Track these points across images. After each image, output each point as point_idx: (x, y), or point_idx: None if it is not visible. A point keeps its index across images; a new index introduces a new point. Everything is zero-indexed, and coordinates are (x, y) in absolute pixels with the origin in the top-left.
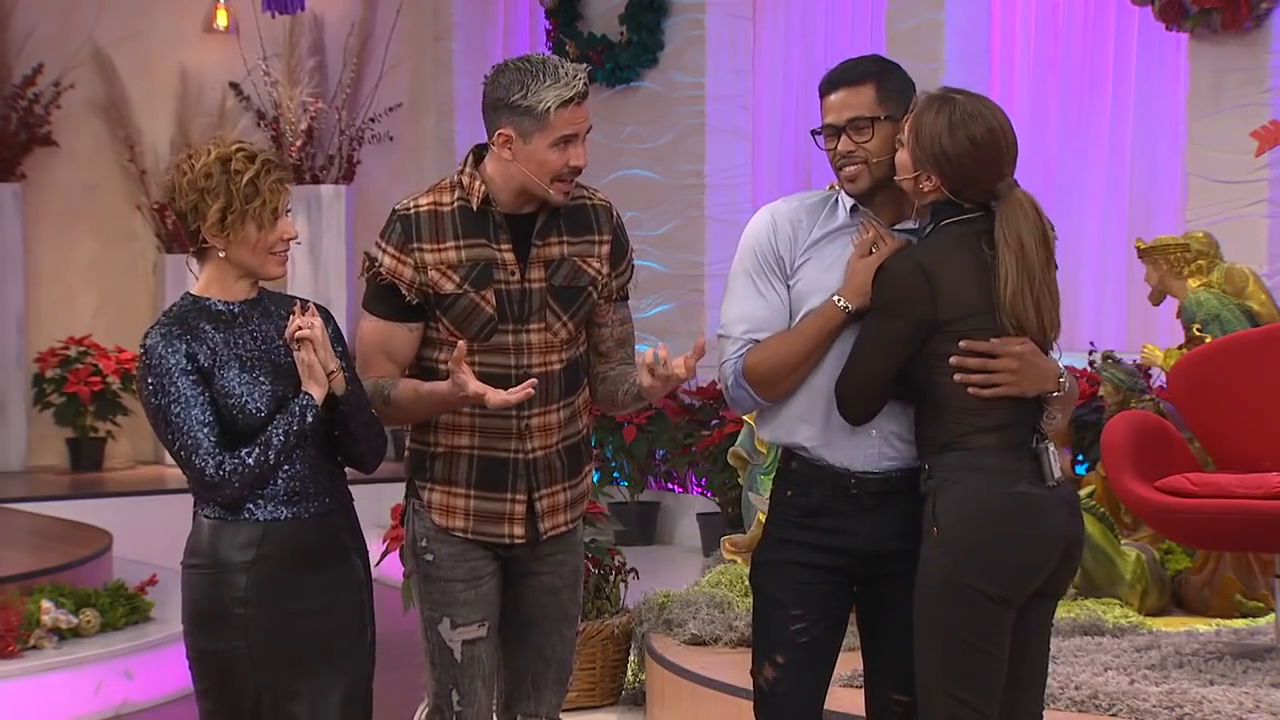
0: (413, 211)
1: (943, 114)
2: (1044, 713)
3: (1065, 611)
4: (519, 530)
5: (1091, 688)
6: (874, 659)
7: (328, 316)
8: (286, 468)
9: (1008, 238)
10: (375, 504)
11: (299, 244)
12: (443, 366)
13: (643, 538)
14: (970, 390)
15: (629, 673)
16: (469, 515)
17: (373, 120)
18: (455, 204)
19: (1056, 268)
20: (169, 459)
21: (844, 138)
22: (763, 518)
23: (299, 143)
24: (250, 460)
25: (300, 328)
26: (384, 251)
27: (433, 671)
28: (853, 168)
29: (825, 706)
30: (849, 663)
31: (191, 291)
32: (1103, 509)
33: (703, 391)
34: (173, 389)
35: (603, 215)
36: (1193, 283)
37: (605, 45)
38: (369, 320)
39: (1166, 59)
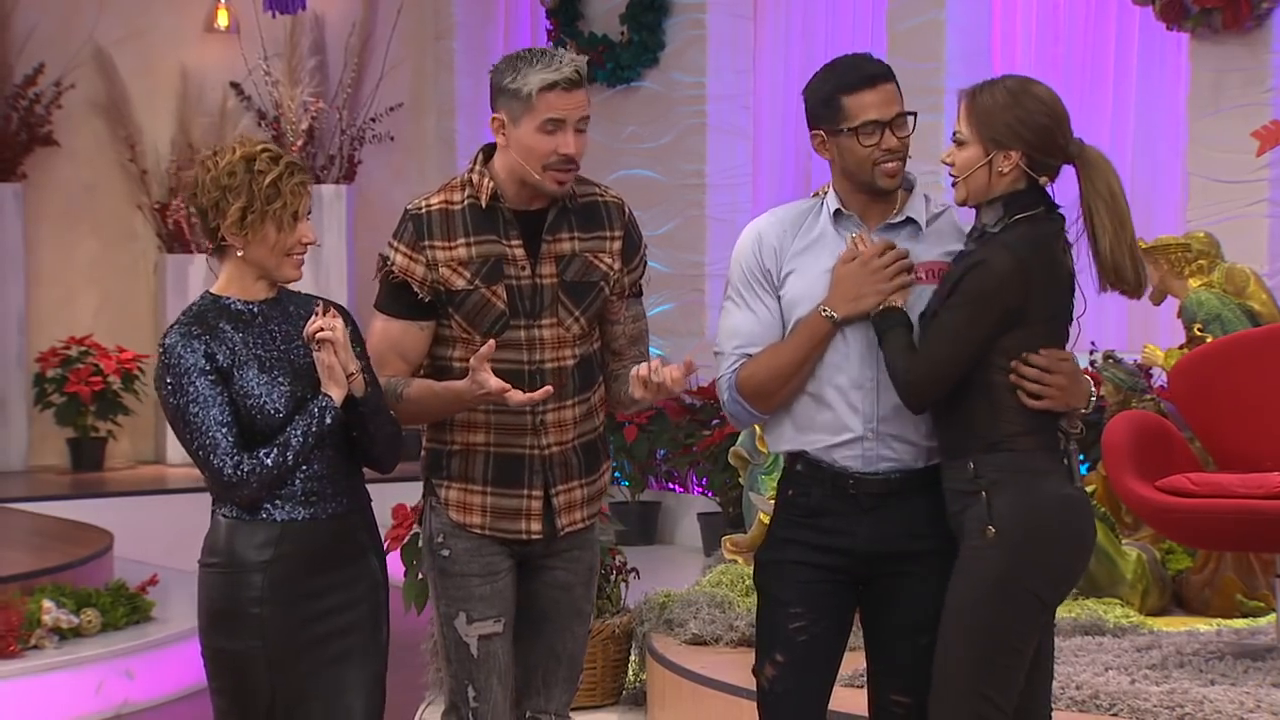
0: (424, 210)
1: (998, 90)
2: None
3: (1066, 611)
4: (536, 526)
5: (1092, 687)
6: (876, 659)
7: (347, 317)
8: (305, 468)
9: (1098, 188)
10: (376, 504)
11: (318, 247)
12: (457, 364)
13: (643, 537)
14: (1020, 397)
15: (630, 672)
16: (486, 512)
17: (374, 120)
18: (465, 202)
19: None
20: (170, 459)
21: (887, 133)
22: (763, 518)
23: (300, 143)
24: (269, 461)
25: (321, 329)
26: (396, 250)
27: (448, 668)
28: (894, 163)
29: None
30: (850, 662)
31: (211, 290)
32: (1103, 509)
33: (703, 391)
34: (191, 389)
35: (614, 211)
36: (1193, 282)
37: (606, 45)
38: (381, 320)
39: (1167, 59)
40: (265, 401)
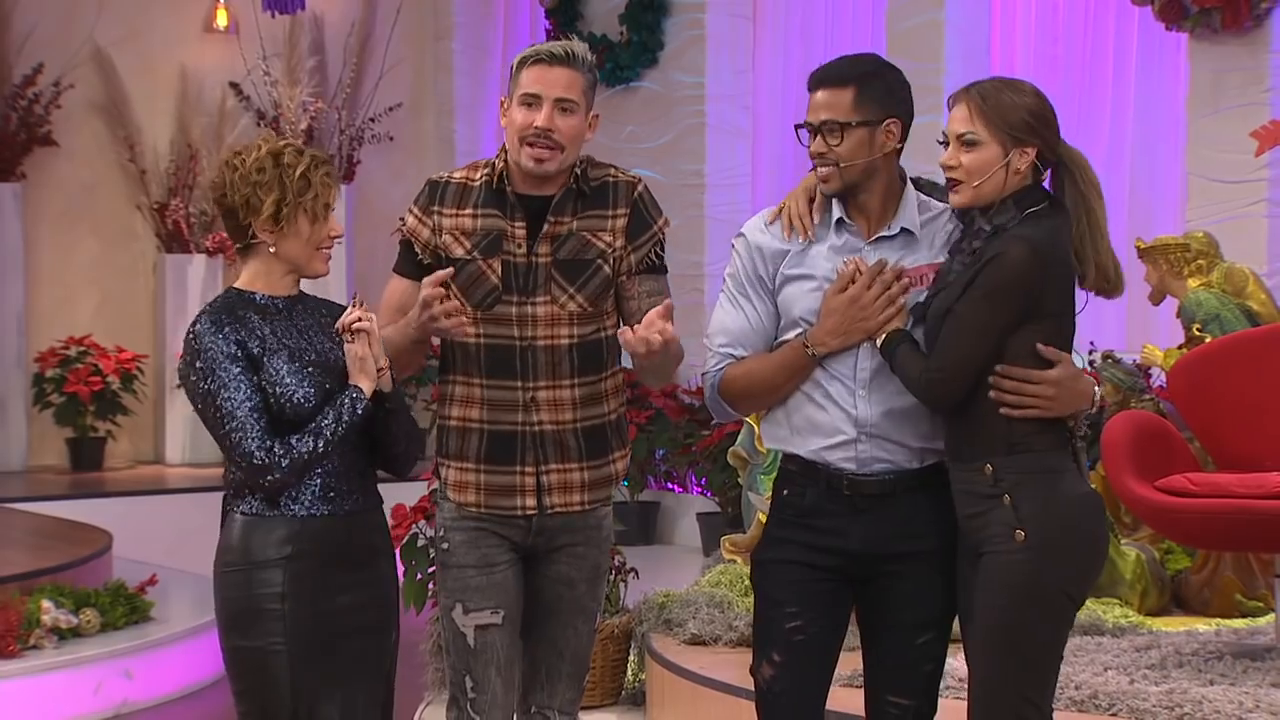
0: (444, 180)
1: (1001, 88)
2: None
3: None
4: (530, 502)
5: (1091, 687)
6: (872, 660)
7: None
8: (325, 464)
9: (1092, 183)
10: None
11: (340, 242)
12: (463, 340)
13: (643, 537)
14: (1002, 410)
15: (629, 672)
16: (480, 489)
17: (373, 120)
18: (482, 179)
19: None
20: (169, 459)
21: (818, 138)
22: (762, 518)
23: (299, 143)
24: (302, 447)
25: (360, 319)
26: (410, 213)
27: (447, 660)
28: (825, 169)
29: (826, 706)
30: (849, 662)
31: (235, 286)
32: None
33: (702, 391)
34: (223, 374)
35: (622, 189)
36: (1193, 282)
37: (605, 45)
38: (393, 279)
39: (1166, 59)
40: (295, 391)
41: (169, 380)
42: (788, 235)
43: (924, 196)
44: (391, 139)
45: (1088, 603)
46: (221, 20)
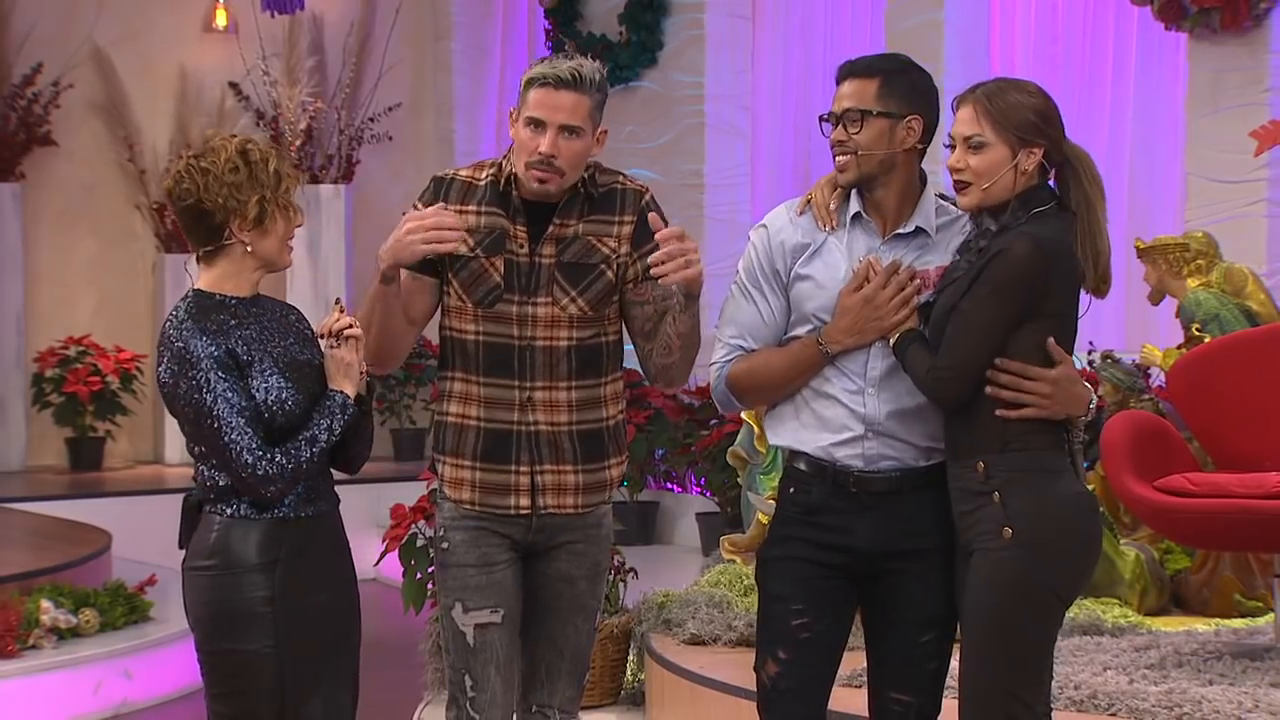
0: (449, 177)
1: (1007, 89)
2: None
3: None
4: (524, 502)
5: (1091, 687)
6: (876, 657)
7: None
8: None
9: (1095, 178)
10: (375, 504)
11: (301, 225)
12: (450, 333)
13: (642, 537)
14: (998, 411)
15: (628, 672)
16: (475, 487)
17: (372, 120)
18: (487, 179)
19: None
20: (168, 458)
21: (839, 127)
22: (762, 518)
23: (298, 142)
24: (300, 455)
25: (351, 324)
26: (415, 207)
27: (447, 659)
28: (842, 158)
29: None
30: (850, 662)
31: (200, 288)
32: (1102, 509)
33: (702, 391)
34: (218, 384)
35: (630, 197)
36: (1192, 282)
37: (605, 45)
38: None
39: (1166, 59)
40: (285, 396)
41: None
42: (819, 225)
43: (943, 201)
44: (391, 139)
45: (1087, 602)
46: (221, 20)
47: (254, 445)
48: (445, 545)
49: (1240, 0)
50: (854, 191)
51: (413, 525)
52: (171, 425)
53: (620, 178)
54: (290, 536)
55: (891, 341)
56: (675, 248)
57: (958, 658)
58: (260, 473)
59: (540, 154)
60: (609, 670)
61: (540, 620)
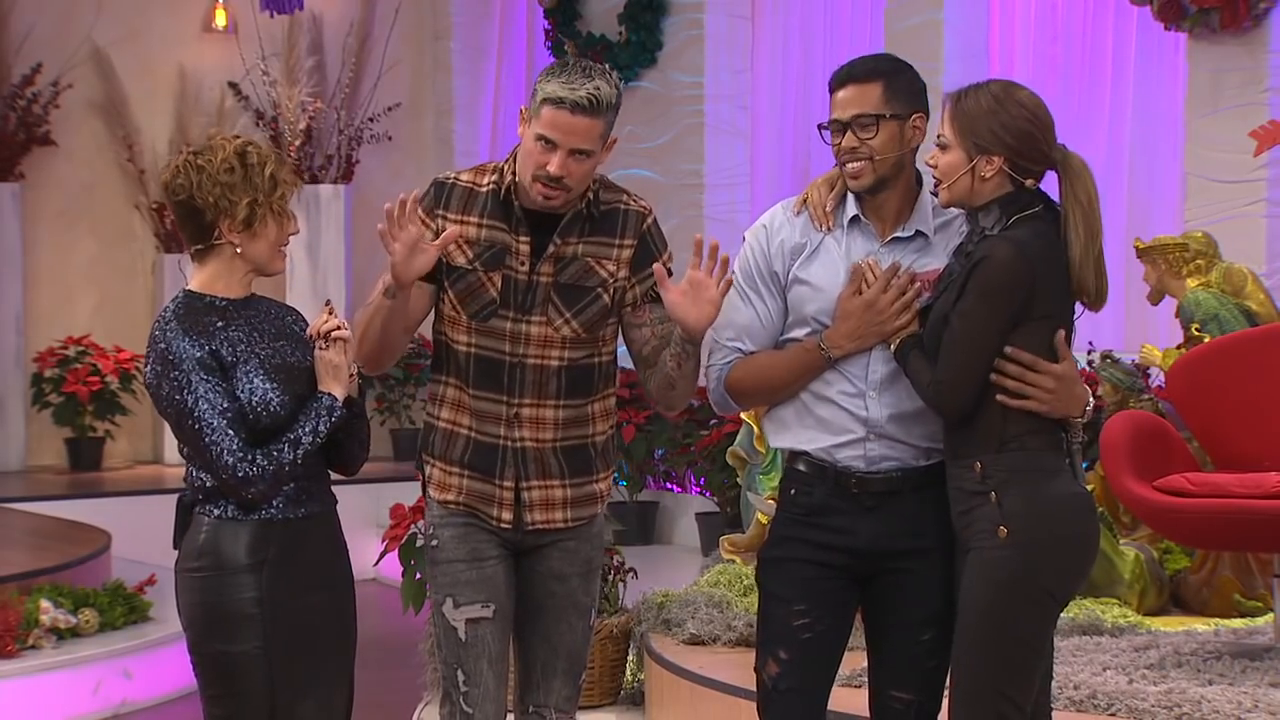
0: (450, 181)
1: (982, 95)
2: None
3: (1064, 611)
4: (507, 515)
5: (1090, 687)
6: (876, 656)
7: None
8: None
9: (1078, 196)
10: (375, 504)
11: (296, 234)
12: (442, 340)
13: (642, 537)
14: (999, 397)
15: (628, 672)
16: (461, 491)
17: (371, 120)
18: (489, 187)
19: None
20: (168, 458)
21: (849, 134)
22: (761, 518)
23: (298, 142)
24: (283, 458)
25: (340, 327)
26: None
27: (439, 654)
28: (857, 164)
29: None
30: (850, 662)
31: (191, 288)
32: (1101, 509)
33: (701, 391)
34: (200, 385)
35: (632, 219)
36: (1191, 282)
37: (604, 45)
38: (387, 273)
39: (1165, 59)
40: (270, 398)
41: None
42: (816, 226)
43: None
44: (390, 139)
45: (1086, 602)
46: (220, 20)
47: (235, 447)
48: (435, 542)
49: (1240, 0)
50: (853, 195)
51: (412, 525)
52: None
53: (624, 197)
54: (279, 537)
55: (893, 347)
56: (699, 280)
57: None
58: (241, 474)
59: (549, 173)
60: (608, 670)
61: (534, 619)
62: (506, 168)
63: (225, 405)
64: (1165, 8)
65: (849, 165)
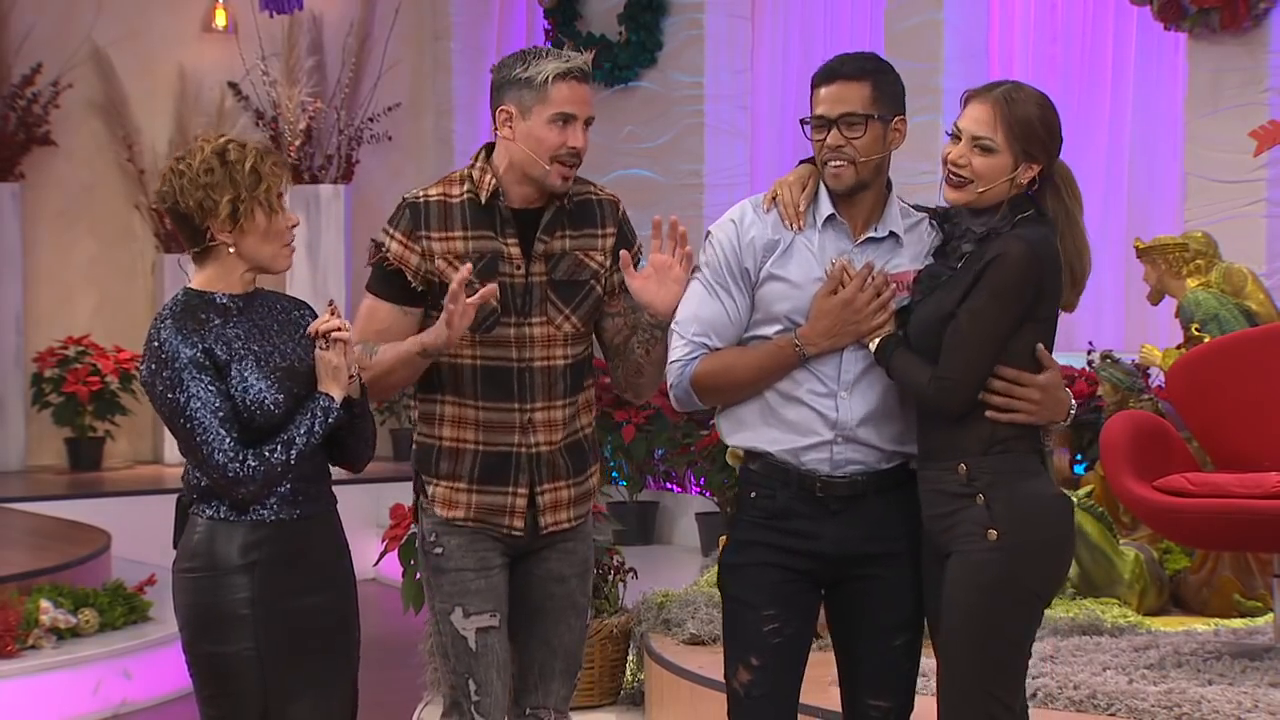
0: (422, 200)
1: (1029, 103)
2: (1043, 712)
3: (1064, 611)
4: (519, 523)
5: (1090, 687)
6: (849, 665)
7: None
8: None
9: (1076, 195)
10: (375, 504)
11: (295, 226)
12: (457, 362)
13: (641, 537)
14: (988, 414)
15: (628, 672)
16: (470, 507)
17: (371, 120)
18: (464, 196)
19: None
20: (168, 458)
21: (834, 132)
22: None
23: (298, 142)
24: (275, 459)
25: (340, 328)
26: (391, 238)
27: (447, 664)
28: (839, 164)
29: (822, 706)
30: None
31: (192, 286)
32: (1101, 509)
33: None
34: (192, 383)
35: (608, 209)
36: (1191, 282)
37: (604, 45)
38: (369, 299)
39: (1165, 59)
40: (265, 397)
41: None
42: (786, 224)
43: (903, 202)
44: (390, 139)
45: (1087, 602)
46: (220, 20)
47: (226, 446)
48: (439, 550)
49: (1239, 0)
50: (827, 193)
51: (412, 525)
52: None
53: (592, 188)
54: (274, 538)
55: (872, 346)
56: (663, 262)
57: (929, 658)
58: (231, 474)
59: (573, 148)
60: (608, 670)
61: (532, 622)
62: (478, 174)
63: (218, 404)
64: (1165, 8)
65: (831, 164)
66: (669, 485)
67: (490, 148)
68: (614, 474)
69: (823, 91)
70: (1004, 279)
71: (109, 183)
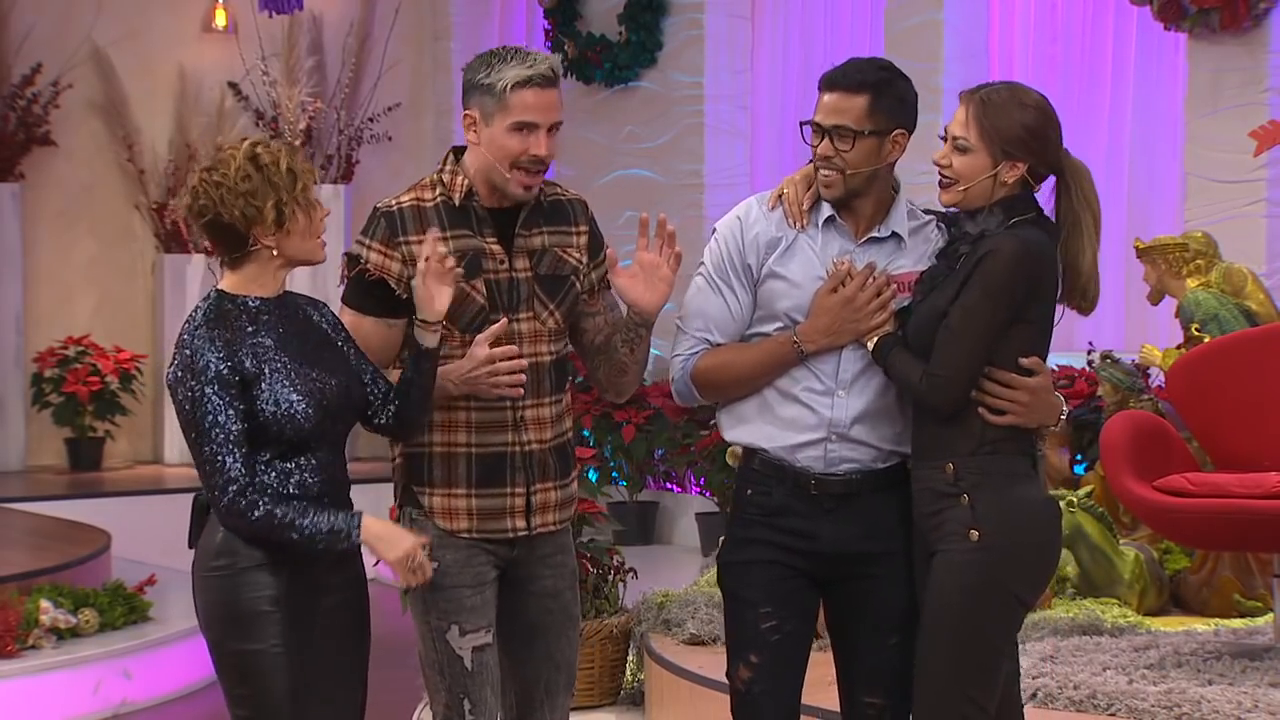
0: (395, 208)
1: (1006, 99)
2: (1043, 712)
3: (1064, 611)
4: (521, 523)
5: (1090, 687)
6: (846, 662)
7: (327, 312)
8: (320, 472)
9: (1088, 199)
10: (374, 504)
11: (328, 216)
12: (444, 363)
13: (641, 537)
14: (979, 410)
15: (628, 672)
16: (472, 515)
17: (371, 120)
18: (437, 200)
19: None
20: (168, 458)
21: (826, 141)
22: None
23: (298, 143)
24: (274, 519)
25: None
26: (369, 249)
27: (442, 682)
28: (829, 174)
29: (822, 706)
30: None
31: (225, 289)
32: (1101, 509)
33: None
34: (212, 400)
35: (578, 208)
36: (1191, 282)
37: (604, 45)
38: (350, 315)
39: (1165, 59)
40: (296, 410)
41: None
42: (790, 223)
43: (912, 204)
44: (390, 139)
45: (1086, 602)
46: (220, 20)
47: (235, 473)
48: (435, 565)
49: (1239, 0)
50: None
51: None
52: (171, 425)
53: (559, 188)
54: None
55: (870, 345)
56: (650, 261)
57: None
58: (228, 501)
59: (536, 156)
60: (608, 670)
61: (533, 640)
62: (449, 177)
63: (234, 428)
64: (1165, 8)
65: (822, 173)
66: (669, 485)
67: (460, 150)
68: (614, 474)
69: (824, 98)
70: (995, 276)
71: (109, 183)
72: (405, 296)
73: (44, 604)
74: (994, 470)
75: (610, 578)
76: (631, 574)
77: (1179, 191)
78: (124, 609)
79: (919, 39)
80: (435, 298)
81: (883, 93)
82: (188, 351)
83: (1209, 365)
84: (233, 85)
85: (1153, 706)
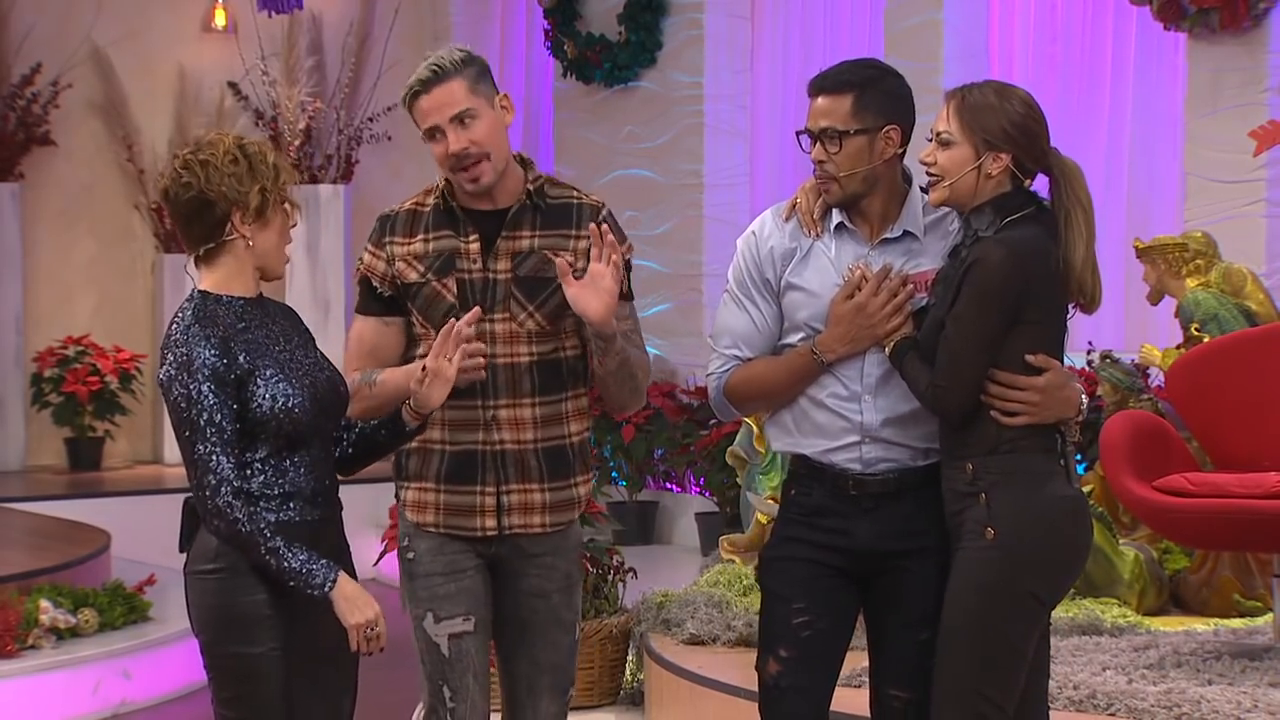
0: (393, 212)
1: (987, 91)
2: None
3: (1063, 611)
4: (490, 523)
5: (1090, 687)
6: (876, 655)
7: (298, 320)
8: (314, 473)
9: (1079, 196)
10: (374, 504)
11: (295, 227)
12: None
13: (641, 537)
14: (991, 414)
15: (627, 672)
16: (439, 509)
17: (371, 120)
18: (433, 204)
19: None
20: (167, 458)
21: (817, 146)
22: (761, 518)
23: (297, 142)
24: (257, 532)
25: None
26: (366, 250)
27: (423, 670)
28: (825, 180)
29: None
30: (851, 662)
31: (206, 289)
32: (1101, 509)
33: (701, 391)
34: (207, 399)
35: (586, 212)
36: (1191, 282)
37: (604, 45)
38: (357, 320)
39: (1165, 58)
40: (293, 403)
41: None
42: (804, 231)
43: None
44: (390, 138)
45: (1086, 602)
46: (220, 20)
47: (224, 476)
48: (410, 555)
49: (1240, 0)
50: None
51: None
52: (171, 425)
53: (575, 192)
54: (295, 538)
55: (887, 350)
56: (596, 271)
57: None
58: (212, 505)
59: (453, 154)
60: (608, 670)
61: (517, 638)
62: (441, 181)
63: (227, 428)
64: (1165, 8)
65: (818, 178)
66: (669, 485)
67: None
68: (614, 474)
69: (812, 103)
70: (982, 284)
71: (109, 183)
72: (388, 295)
73: (44, 604)
74: (1013, 469)
75: (610, 577)
76: (631, 574)
77: (1179, 191)
78: (123, 609)
79: (919, 39)
80: (432, 394)
81: (867, 90)
82: (181, 349)
83: (1209, 365)
84: (232, 85)
85: (1152, 706)
